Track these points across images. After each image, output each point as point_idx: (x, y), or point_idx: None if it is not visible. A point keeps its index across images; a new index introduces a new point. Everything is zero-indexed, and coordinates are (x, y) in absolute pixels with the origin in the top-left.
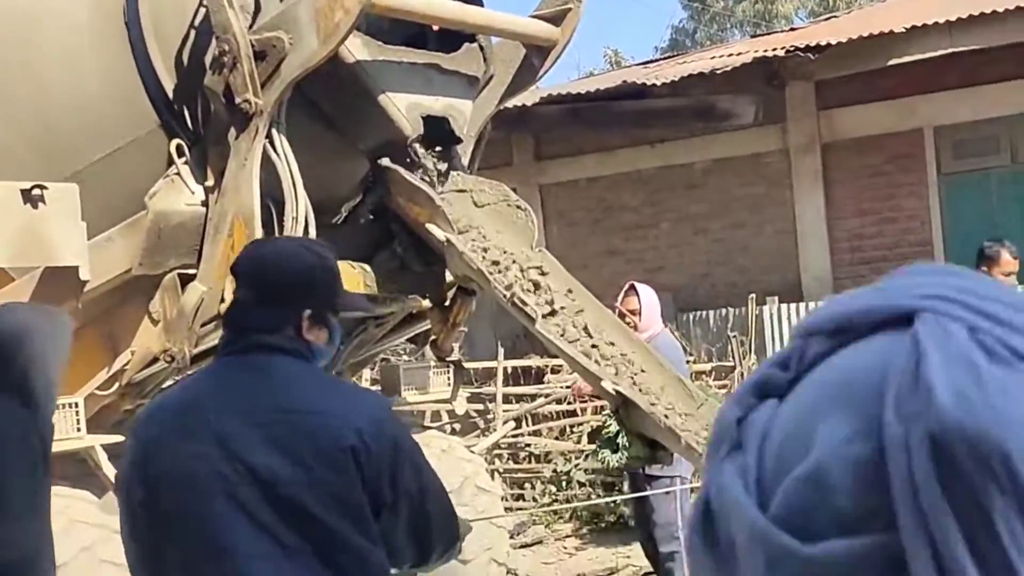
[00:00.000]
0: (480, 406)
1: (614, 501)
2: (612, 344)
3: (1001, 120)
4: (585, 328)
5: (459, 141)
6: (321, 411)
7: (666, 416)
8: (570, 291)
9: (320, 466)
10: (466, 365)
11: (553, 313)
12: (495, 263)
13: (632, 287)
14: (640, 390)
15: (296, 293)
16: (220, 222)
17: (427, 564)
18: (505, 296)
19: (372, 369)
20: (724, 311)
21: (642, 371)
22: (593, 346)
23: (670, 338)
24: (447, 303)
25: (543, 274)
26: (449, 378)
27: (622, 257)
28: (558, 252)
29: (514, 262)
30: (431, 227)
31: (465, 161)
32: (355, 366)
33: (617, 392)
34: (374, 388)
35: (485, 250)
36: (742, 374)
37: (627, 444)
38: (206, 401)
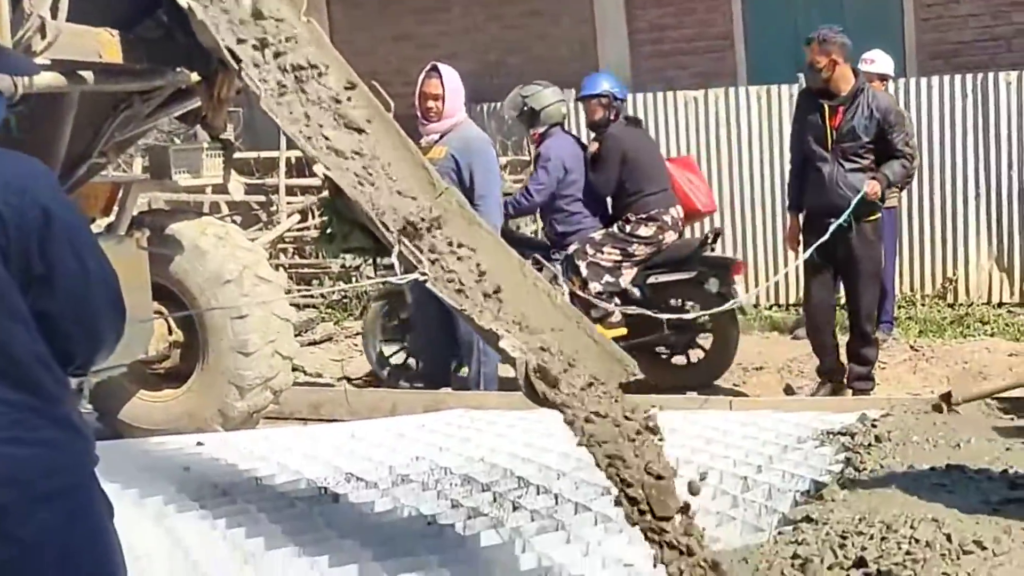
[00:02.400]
0: (262, 198)
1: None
2: (345, 119)
3: None
4: (321, 102)
5: None
6: None
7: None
8: (322, 63)
9: None
10: (248, 155)
11: (299, 82)
12: (253, 35)
13: (435, 68)
14: (357, 175)
15: None
16: None
17: (95, 358)
18: (237, 67)
19: (144, 157)
20: None
21: (375, 155)
22: (320, 125)
23: (476, 129)
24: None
25: (296, 44)
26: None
27: (412, 42)
28: (343, 36)
29: (276, 33)
30: None
31: None
32: (120, 145)
33: (327, 178)
34: (143, 174)
35: (242, 21)
36: None
37: (344, 234)
38: None
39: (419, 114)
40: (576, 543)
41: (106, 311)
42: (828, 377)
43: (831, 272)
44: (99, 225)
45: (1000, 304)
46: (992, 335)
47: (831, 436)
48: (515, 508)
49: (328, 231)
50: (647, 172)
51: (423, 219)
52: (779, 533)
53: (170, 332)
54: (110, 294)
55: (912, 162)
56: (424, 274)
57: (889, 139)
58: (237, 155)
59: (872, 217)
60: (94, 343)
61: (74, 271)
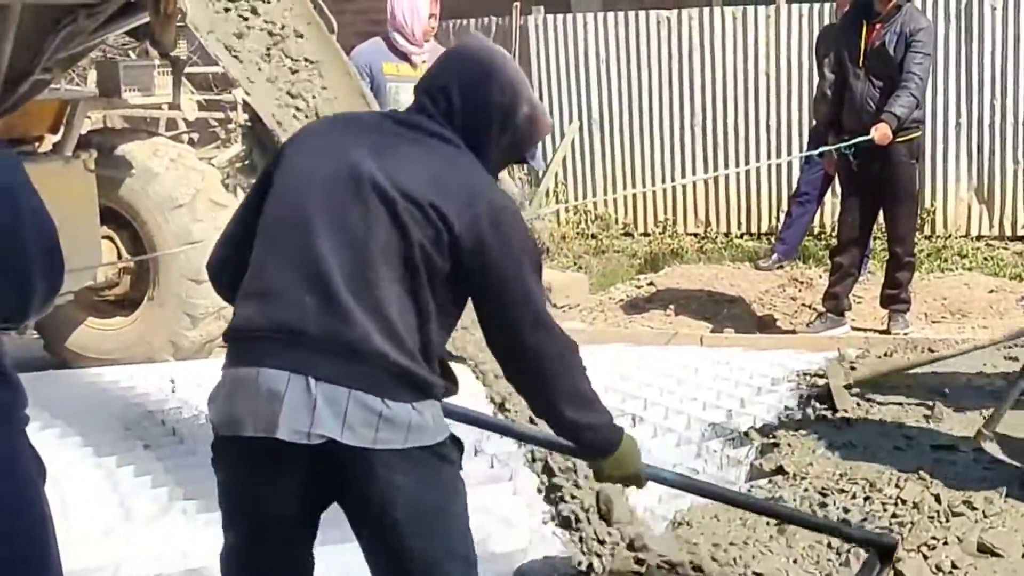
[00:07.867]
0: (220, 115)
1: None
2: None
3: None
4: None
5: None
6: None
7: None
8: None
9: None
10: (205, 70)
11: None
12: None
13: None
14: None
15: None
16: None
17: (29, 312)
18: None
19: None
20: (486, 20)
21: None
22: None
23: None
24: None
25: None
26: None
27: None
28: None
29: None
30: None
31: None
32: (66, 61)
33: (246, 104)
34: (91, 89)
35: None
36: None
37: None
38: None
39: (412, 35)
40: (521, 494)
41: (39, 262)
42: (832, 307)
43: (862, 194)
44: (46, 144)
45: (979, 237)
46: (970, 269)
47: (807, 377)
48: (475, 453)
49: (247, 161)
50: None
51: None
52: (751, 487)
53: (120, 258)
54: (45, 243)
55: (922, 84)
56: None
57: (907, 55)
58: (195, 70)
59: (907, 138)
60: (25, 297)
61: (4, 225)
